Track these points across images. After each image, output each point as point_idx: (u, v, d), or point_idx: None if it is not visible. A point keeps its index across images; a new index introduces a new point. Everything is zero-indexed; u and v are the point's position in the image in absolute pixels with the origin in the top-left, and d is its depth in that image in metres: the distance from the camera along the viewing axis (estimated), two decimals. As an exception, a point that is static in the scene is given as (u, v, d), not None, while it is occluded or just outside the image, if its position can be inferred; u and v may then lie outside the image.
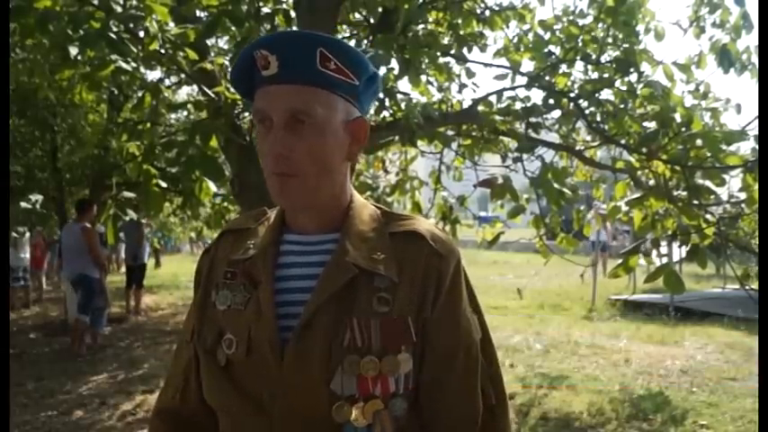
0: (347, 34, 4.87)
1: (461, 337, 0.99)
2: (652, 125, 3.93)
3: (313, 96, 0.94)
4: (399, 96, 4.39)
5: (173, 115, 7.66)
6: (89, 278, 6.64)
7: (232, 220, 1.19)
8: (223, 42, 5.68)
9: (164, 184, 3.42)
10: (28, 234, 10.14)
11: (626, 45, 4.24)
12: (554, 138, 4.99)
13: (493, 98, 4.39)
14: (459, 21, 4.68)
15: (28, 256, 10.16)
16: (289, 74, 0.93)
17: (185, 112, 7.91)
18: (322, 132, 0.95)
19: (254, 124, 1.03)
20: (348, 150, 1.00)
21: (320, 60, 0.94)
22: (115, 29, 2.85)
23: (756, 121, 3.43)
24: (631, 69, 4.10)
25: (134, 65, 2.97)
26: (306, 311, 0.93)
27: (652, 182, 4.29)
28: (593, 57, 4.35)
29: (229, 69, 3.93)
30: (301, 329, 0.93)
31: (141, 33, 3.15)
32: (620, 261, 3.67)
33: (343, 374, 0.91)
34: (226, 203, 6.33)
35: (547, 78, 4.47)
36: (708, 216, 3.78)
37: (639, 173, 4.37)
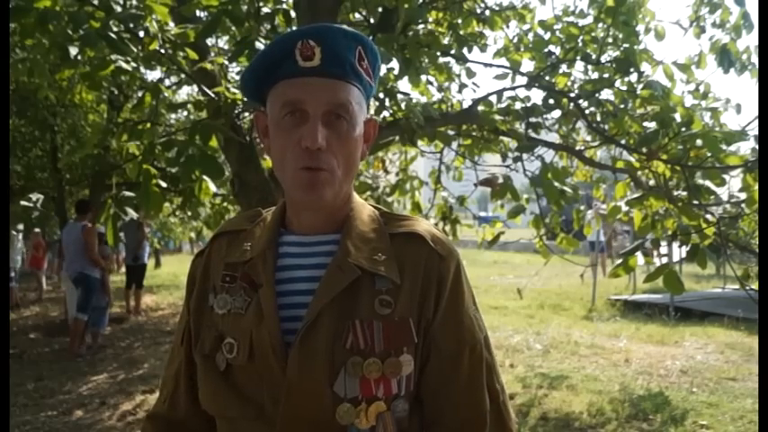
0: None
1: (465, 337, 0.99)
2: (652, 125, 3.92)
3: (350, 93, 0.94)
4: (399, 96, 4.38)
5: (173, 115, 7.65)
6: (90, 277, 6.64)
7: (225, 221, 1.17)
8: (223, 42, 5.68)
9: (164, 184, 3.42)
10: (21, 242, 10.15)
11: (626, 45, 4.23)
12: (554, 138, 4.99)
13: (493, 98, 4.38)
14: (459, 21, 4.68)
15: (18, 258, 10.18)
16: (331, 67, 0.93)
17: (185, 112, 7.92)
18: (354, 130, 0.95)
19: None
20: (362, 150, 1.01)
21: (357, 58, 0.95)
22: (115, 29, 2.85)
23: (756, 121, 3.43)
24: (631, 69, 4.10)
25: (134, 65, 2.97)
26: (309, 313, 0.92)
27: (652, 182, 4.29)
28: (593, 57, 4.35)
29: (229, 69, 3.95)
30: (305, 331, 0.91)
31: (141, 33, 3.15)
32: (619, 261, 3.67)
33: (347, 376, 0.90)
34: (226, 203, 6.34)
35: (547, 78, 4.46)
36: (708, 216, 3.78)
37: (639, 173, 4.37)
